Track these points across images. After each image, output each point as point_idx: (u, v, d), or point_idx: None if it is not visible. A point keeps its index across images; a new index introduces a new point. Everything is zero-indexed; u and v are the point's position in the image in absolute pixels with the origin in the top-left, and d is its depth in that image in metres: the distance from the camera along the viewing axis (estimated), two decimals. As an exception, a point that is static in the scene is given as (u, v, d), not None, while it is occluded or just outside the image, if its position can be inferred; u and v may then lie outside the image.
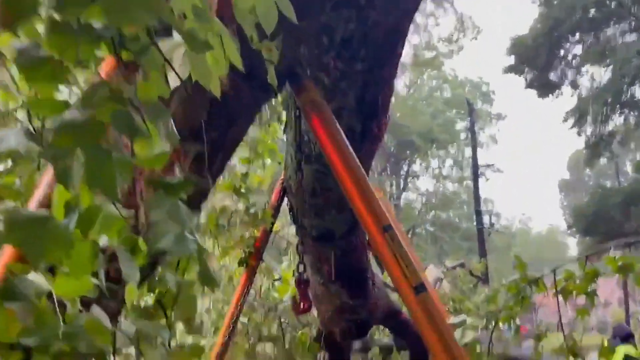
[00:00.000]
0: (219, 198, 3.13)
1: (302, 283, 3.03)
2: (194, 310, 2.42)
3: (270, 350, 5.16)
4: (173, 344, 2.49)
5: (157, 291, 2.48)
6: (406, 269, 1.69)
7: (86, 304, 1.33)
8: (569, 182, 50.62)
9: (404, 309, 6.26)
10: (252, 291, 5.43)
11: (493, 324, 3.15)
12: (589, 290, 2.98)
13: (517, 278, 3.15)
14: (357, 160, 2.11)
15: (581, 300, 3.11)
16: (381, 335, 7.57)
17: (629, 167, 44.01)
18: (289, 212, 3.47)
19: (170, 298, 2.44)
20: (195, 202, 1.81)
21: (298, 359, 5.54)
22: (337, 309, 4.39)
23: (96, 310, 1.35)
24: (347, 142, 2.18)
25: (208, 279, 1.16)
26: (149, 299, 2.48)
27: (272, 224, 3.55)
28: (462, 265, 10.35)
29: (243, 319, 5.20)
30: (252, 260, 3.55)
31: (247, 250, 3.45)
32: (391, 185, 36.74)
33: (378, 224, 1.81)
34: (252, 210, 3.29)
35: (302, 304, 3.24)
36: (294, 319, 5.58)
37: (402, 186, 38.92)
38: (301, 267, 2.89)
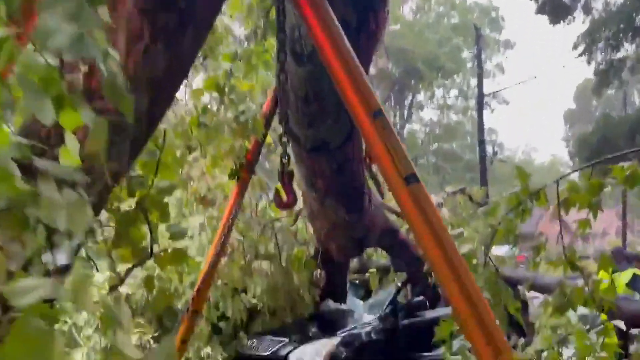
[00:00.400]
0: (201, 97, 2.93)
1: (285, 176, 2.85)
2: (167, 215, 2.31)
3: (267, 268, 5.17)
4: (156, 249, 2.40)
5: (137, 194, 2.36)
6: (396, 157, 1.54)
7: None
8: (575, 113, 49.91)
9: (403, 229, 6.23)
10: (247, 209, 5.37)
11: (491, 238, 3.04)
12: (592, 201, 2.84)
13: (518, 190, 2.99)
14: (351, 50, 1.89)
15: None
16: (379, 257, 7.62)
17: (636, 98, 43.21)
18: (280, 122, 3.29)
19: (150, 202, 2.33)
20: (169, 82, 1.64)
21: (294, 277, 5.57)
22: (332, 225, 4.31)
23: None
24: (342, 31, 1.96)
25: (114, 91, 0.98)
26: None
27: (264, 135, 3.38)
28: (462, 191, 10.28)
29: (239, 237, 5.16)
30: (244, 173, 3.41)
31: (237, 162, 3.30)
32: (395, 116, 36.28)
33: (368, 109, 1.62)
34: (242, 119, 3.11)
35: (286, 197, 3.08)
36: (291, 237, 5.56)
37: (405, 116, 38.47)
38: (285, 159, 2.73)
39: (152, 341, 4.73)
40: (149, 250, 2.26)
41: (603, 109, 41.60)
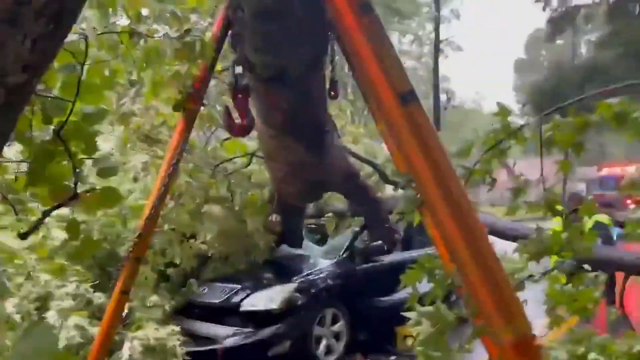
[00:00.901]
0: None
1: (239, 91, 2.41)
2: (93, 147, 1.89)
3: (219, 212, 4.80)
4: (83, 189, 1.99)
5: (55, 122, 1.92)
6: (390, 69, 1.18)
7: None
8: (525, 62, 50.70)
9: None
10: (196, 149, 4.92)
11: (465, 180, 2.78)
12: (577, 140, 2.61)
13: (497, 128, 2.72)
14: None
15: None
16: (335, 201, 7.38)
17: (583, 49, 44.14)
18: (231, 46, 2.83)
19: (72, 131, 1.89)
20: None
21: (248, 222, 5.24)
22: (290, 166, 3.94)
23: None
24: None
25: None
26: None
27: (214, 59, 2.93)
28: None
29: (188, 179, 4.75)
30: (190, 104, 2.97)
31: (183, 90, 2.86)
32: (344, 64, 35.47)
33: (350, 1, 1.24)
34: (187, 39, 2.65)
35: (239, 120, 2.64)
36: (245, 180, 5.18)
37: (360, 60, 37.79)
38: (238, 69, 2.32)
39: (91, 290, 4.34)
40: (73, 189, 1.85)
41: (551, 59, 42.40)
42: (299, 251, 6.05)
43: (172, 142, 3.10)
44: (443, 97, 25.87)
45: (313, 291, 5.23)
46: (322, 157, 3.97)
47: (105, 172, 1.86)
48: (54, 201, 1.85)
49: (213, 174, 4.75)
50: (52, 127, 1.85)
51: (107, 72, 1.98)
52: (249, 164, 5.02)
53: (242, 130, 2.87)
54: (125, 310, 4.41)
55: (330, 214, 6.90)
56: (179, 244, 4.70)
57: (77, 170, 1.85)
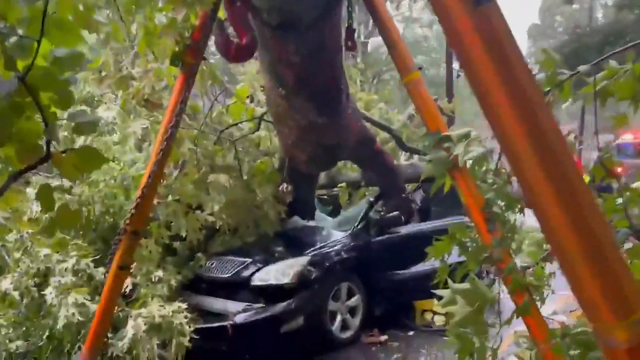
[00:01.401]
0: None
1: (238, 3, 2.00)
2: (69, 98, 1.55)
3: (225, 181, 4.49)
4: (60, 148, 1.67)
5: (21, 67, 1.60)
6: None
7: None
8: (539, 28, 49.28)
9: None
10: (200, 114, 4.59)
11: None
12: (638, 90, 2.24)
13: (543, 77, 2.35)
14: None
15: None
16: (348, 170, 7.05)
17: (600, 14, 42.72)
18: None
19: (41, 77, 1.56)
20: None
21: (257, 192, 4.93)
22: (302, 130, 3.60)
23: None
24: None
25: None
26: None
27: (216, 5, 2.56)
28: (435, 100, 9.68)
29: (191, 146, 4.43)
30: (189, 57, 2.62)
31: (180, 41, 2.50)
32: (359, 25, 34.67)
33: None
34: (183, -19, 2.29)
35: (238, 40, 2.23)
36: (253, 147, 4.85)
37: (370, 27, 36.92)
38: None
39: (91, 265, 4.09)
40: (45, 148, 1.53)
41: (567, 25, 41.20)
42: (311, 223, 5.75)
43: (170, 102, 2.77)
44: (455, 65, 25.12)
45: (327, 264, 4.95)
46: (336, 119, 3.63)
47: (82, 128, 1.53)
48: (22, 163, 1.53)
49: (218, 141, 4.42)
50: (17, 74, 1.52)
51: (80, 7, 1.63)
52: (257, 129, 4.67)
53: (241, 53, 2.45)
54: (129, 286, 4.17)
55: (342, 184, 6.58)
56: (184, 215, 4.41)
57: (49, 125, 1.52)
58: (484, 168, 2.38)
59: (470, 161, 2.36)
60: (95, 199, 4.78)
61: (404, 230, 5.69)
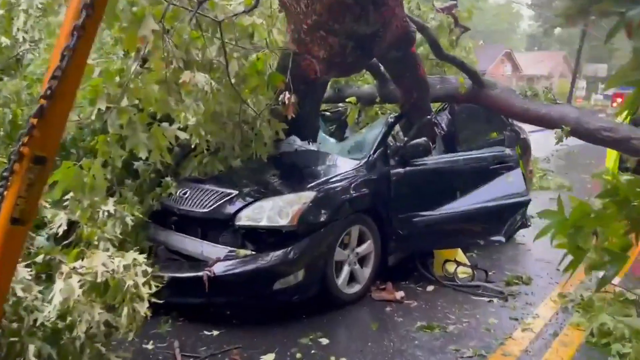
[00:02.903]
0: None
1: None
2: None
3: (204, 83, 3.14)
4: None
5: None
6: None
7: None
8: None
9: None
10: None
11: None
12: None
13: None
14: None
15: None
16: (358, 81, 5.72)
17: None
18: None
19: None
20: None
21: (249, 100, 3.60)
22: (328, 9, 2.25)
23: None
24: None
25: None
26: None
27: None
28: (450, 10, 8.21)
29: (157, 27, 3.01)
30: None
31: None
32: None
33: None
34: None
35: None
36: (246, 36, 3.44)
37: None
38: None
39: None
40: None
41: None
42: (313, 146, 4.51)
43: None
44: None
45: (335, 203, 3.78)
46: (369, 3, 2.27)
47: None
48: None
49: (195, 21, 3.00)
50: None
51: None
52: (254, 6, 3.20)
53: None
54: (62, 226, 2.95)
55: (352, 98, 5.28)
56: (144, 128, 3.09)
57: None
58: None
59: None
60: None
61: (431, 161, 4.51)
